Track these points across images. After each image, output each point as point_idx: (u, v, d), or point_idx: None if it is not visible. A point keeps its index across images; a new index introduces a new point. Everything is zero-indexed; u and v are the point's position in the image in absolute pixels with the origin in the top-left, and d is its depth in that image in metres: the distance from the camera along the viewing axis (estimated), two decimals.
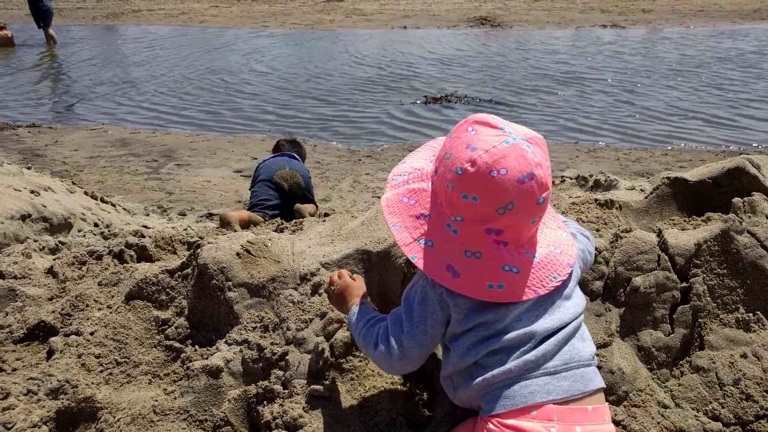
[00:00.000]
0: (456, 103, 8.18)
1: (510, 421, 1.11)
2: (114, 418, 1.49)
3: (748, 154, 1.95)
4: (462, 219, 1.13)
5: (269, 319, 1.61)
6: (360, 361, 1.57)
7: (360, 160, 6.14)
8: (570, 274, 1.23)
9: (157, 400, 1.53)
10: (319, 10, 19.69)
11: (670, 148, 6.32)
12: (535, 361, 1.15)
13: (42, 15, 13.24)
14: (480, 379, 1.16)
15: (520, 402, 1.12)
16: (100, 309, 1.74)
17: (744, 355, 1.48)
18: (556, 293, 1.20)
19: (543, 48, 12.73)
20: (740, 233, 1.55)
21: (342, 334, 1.55)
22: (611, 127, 7.06)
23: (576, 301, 1.25)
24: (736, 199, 1.65)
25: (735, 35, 14.17)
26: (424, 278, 1.23)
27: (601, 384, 1.20)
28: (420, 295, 1.23)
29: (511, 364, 1.14)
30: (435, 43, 13.55)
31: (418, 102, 8.27)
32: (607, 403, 1.22)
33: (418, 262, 1.15)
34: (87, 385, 1.53)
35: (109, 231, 2.52)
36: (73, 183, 3.08)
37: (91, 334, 1.65)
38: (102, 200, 3.00)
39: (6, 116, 8.01)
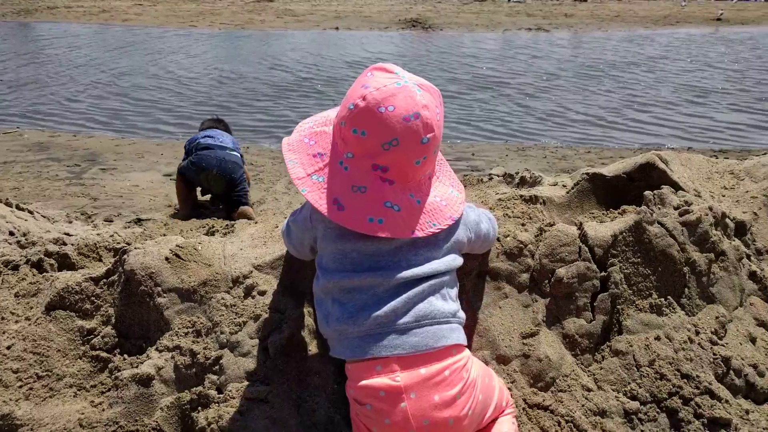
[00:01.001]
0: None
1: (362, 383, 1.20)
2: None
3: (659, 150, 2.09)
4: (352, 156, 1.20)
5: (201, 323, 1.58)
6: (297, 362, 1.56)
7: None
8: (450, 232, 1.29)
9: (83, 413, 1.46)
10: (249, 10, 19.34)
11: (593, 146, 6.65)
12: (386, 317, 1.21)
13: None
14: (336, 324, 1.25)
15: (368, 353, 1.20)
16: (17, 321, 1.64)
17: (657, 338, 1.59)
18: (423, 246, 1.26)
19: (467, 50, 13.07)
20: (651, 224, 1.66)
21: (278, 336, 1.54)
22: (541, 125, 7.35)
23: (444, 260, 1.29)
24: (647, 192, 1.76)
25: (646, 40, 15.05)
26: (307, 205, 1.35)
27: (458, 341, 1.26)
28: (300, 218, 1.39)
29: (363, 316, 1.21)
30: (362, 46, 13.63)
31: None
32: (465, 351, 1.28)
33: (307, 195, 1.21)
34: (5, 401, 1.45)
35: (26, 240, 2.38)
36: None
37: (8, 348, 1.56)
38: (18, 207, 2.82)
39: None
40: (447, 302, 1.28)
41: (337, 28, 16.62)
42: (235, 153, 4.29)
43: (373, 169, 1.19)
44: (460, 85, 9.58)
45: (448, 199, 1.30)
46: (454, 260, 1.33)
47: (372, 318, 1.21)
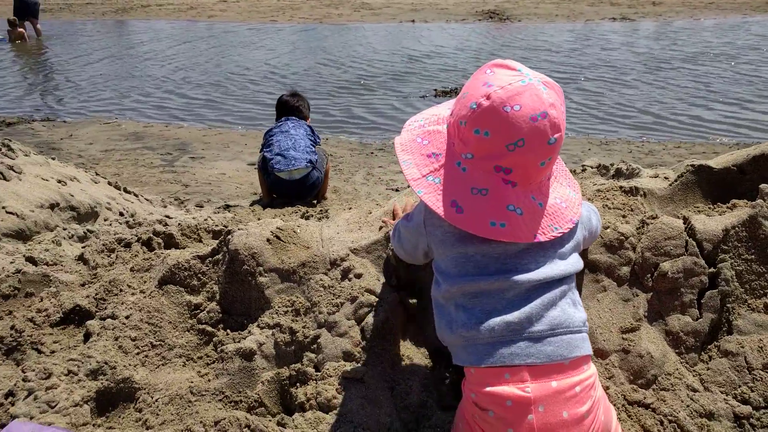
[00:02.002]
0: None
1: (488, 389, 1.14)
2: (152, 398, 1.53)
3: None
4: (472, 156, 1.15)
5: (300, 303, 1.64)
6: (391, 344, 1.59)
7: (372, 153, 6.16)
8: (571, 234, 1.24)
9: (192, 382, 1.56)
10: (327, 4, 19.67)
11: (683, 141, 6.30)
12: (519, 323, 1.15)
13: (30, 8, 13.28)
14: (463, 330, 1.18)
15: (498, 361, 1.14)
16: (133, 294, 1.77)
17: None
18: (550, 248, 1.20)
19: (551, 41, 12.68)
20: None
21: (373, 318, 1.58)
22: (621, 119, 7.05)
23: (570, 262, 1.24)
24: (763, 185, 1.65)
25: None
26: (421, 206, 1.29)
27: (588, 351, 1.21)
28: (412, 223, 1.35)
29: (493, 322, 1.15)
30: (443, 37, 13.53)
31: (427, 95, 8.27)
32: (593, 367, 1.22)
33: (424, 196, 1.16)
34: (125, 366, 1.57)
35: (134, 220, 2.56)
36: (97, 174, 3.12)
37: (127, 317, 1.68)
38: (125, 190, 3.03)
39: (20, 110, 8.09)
40: (577, 309, 1.22)
41: (413, 21, 16.60)
42: (311, 160, 4.12)
43: (495, 170, 1.13)
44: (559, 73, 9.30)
45: (568, 201, 1.24)
46: (578, 262, 1.28)
47: (504, 324, 1.15)
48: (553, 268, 1.19)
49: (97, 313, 1.75)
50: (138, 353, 1.63)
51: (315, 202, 4.30)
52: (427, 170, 1.19)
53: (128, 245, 2.15)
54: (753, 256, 1.56)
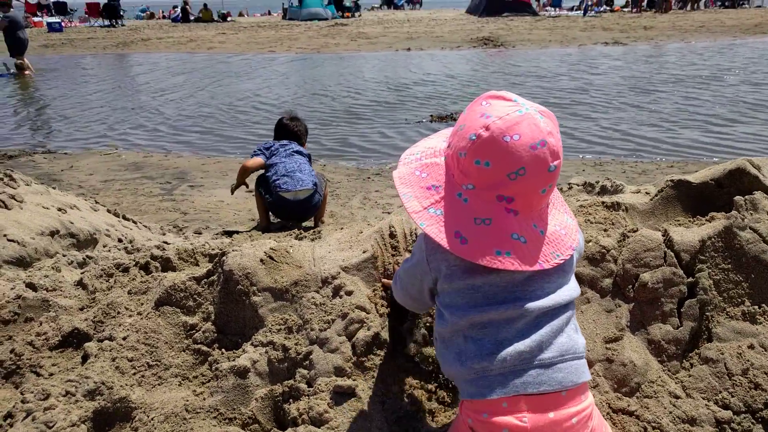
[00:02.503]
0: None
1: (485, 417, 1.15)
2: (148, 417, 1.56)
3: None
4: (473, 187, 1.15)
5: (293, 321, 1.69)
6: (380, 359, 1.63)
7: (369, 178, 6.24)
8: (571, 259, 1.26)
9: (188, 400, 1.60)
10: (324, 34, 20.05)
11: (677, 160, 6.39)
12: (530, 351, 1.15)
13: (19, 45, 13.64)
14: (475, 362, 1.17)
15: (511, 391, 1.14)
16: (130, 315, 1.82)
17: (751, 346, 1.53)
18: (554, 274, 1.21)
19: (545, 66, 12.89)
20: (743, 229, 1.62)
21: (363, 334, 1.62)
22: (615, 141, 7.15)
23: (572, 287, 1.26)
24: (738, 197, 1.72)
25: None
26: (422, 244, 1.28)
27: (589, 377, 1.22)
28: (412, 262, 1.34)
29: (505, 352, 1.15)
30: (438, 64, 13.75)
31: (423, 121, 8.41)
32: (590, 397, 1.23)
33: (427, 228, 1.16)
34: (121, 386, 1.61)
35: (132, 246, 2.61)
36: (96, 202, 3.19)
37: (124, 338, 1.72)
38: (124, 218, 3.10)
39: (21, 142, 8.21)
40: (579, 335, 1.24)
41: (409, 49, 16.90)
42: (315, 182, 4.16)
43: (497, 200, 1.14)
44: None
45: (566, 228, 1.25)
46: (578, 286, 1.29)
47: (516, 353, 1.15)
48: (559, 294, 1.21)
49: (95, 336, 1.79)
50: (134, 373, 1.67)
51: (313, 225, 4.35)
52: (428, 202, 1.19)
53: (126, 270, 2.20)
54: (729, 266, 1.61)
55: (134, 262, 2.21)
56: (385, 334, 1.65)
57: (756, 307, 1.59)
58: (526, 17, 25.32)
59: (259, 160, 4.26)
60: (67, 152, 7.73)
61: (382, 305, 1.71)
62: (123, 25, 27.86)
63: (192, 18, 30.43)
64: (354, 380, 1.56)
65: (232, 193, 4.55)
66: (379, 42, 18.38)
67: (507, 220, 1.14)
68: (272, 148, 4.32)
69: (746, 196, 1.73)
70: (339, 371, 1.58)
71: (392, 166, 6.69)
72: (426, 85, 11.12)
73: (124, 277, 2.13)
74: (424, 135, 8.19)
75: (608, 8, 30.18)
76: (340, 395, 1.54)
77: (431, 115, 8.61)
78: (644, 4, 28.17)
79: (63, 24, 27.02)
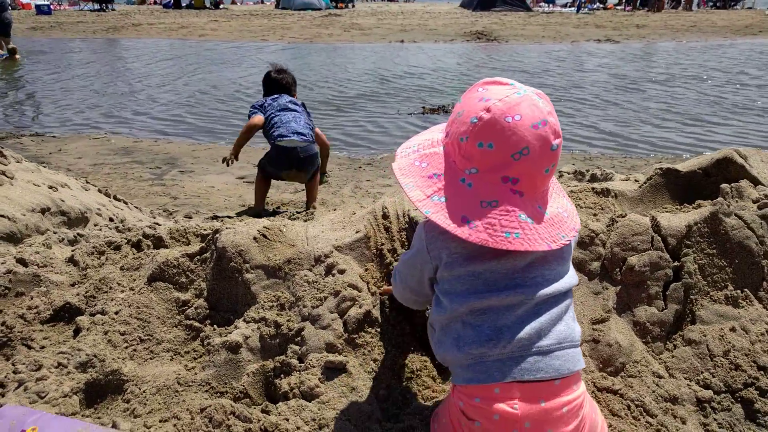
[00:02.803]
0: None
1: (476, 402, 1.16)
2: (140, 389, 1.57)
3: None
4: (477, 170, 1.14)
5: (285, 298, 1.70)
6: (372, 337, 1.65)
7: (360, 167, 6.25)
8: (569, 245, 1.25)
9: (179, 374, 1.61)
10: (317, 24, 19.94)
11: (666, 155, 6.46)
12: (529, 338, 1.16)
13: (3, 26, 13.43)
14: (473, 348, 1.18)
15: (508, 377, 1.15)
16: (123, 291, 1.83)
17: (733, 329, 1.57)
18: (553, 261, 1.21)
19: (542, 60, 12.94)
20: (728, 216, 1.66)
21: (355, 311, 1.64)
22: (605, 136, 7.22)
23: (571, 274, 1.26)
24: (724, 185, 1.76)
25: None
26: (421, 233, 1.28)
27: (583, 364, 1.23)
28: (412, 253, 1.33)
29: (504, 338, 1.16)
30: (432, 57, 13.75)
31: (416, 112, 8.42)
32: (582, 386, 1.23)
33: (432, 215, 1.14)
34: (113, 359, 1.62)
35: (123, 225, 2.60)
36: (87, 182, 3.17)
37: (116, 313, 1.73)
38: (115, 198, 3.09)
39: (8, 125, 8.12)
40: (576, 323, 1.25)
41: (402, 41, 16.87)
42: (309, 133, 4.22)
43: (502, 181, 1.13)
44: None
45: (567, 211, 1.25)
46: (575, 274, 1.29)
47: (515, 339, 1.15)
48: (560, 282, 1.21)
49: (86, 310, 1.80)
50: (127, 347, 1.68)
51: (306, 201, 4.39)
52: (431, 191, 1.17)
53: (118, 247, 2.20)
54: (714, 251, 1.65)
55: (126, 240, 2.21)
56: (376, 312, 1.67)
57: (739, 291, 1.63)
58: (520, 12, 25.36)
59: (260, 116, 4.25)
60: (55, 135, 7.65)
61: (374, 284, 1.73)
62: (113, 10, 27.53)
63: (184, 4, 30.13)
64: (345, 356, 1.58)
65: (228, 163, 4.46)
66: (372, 33, 18.32)
67: (514, 201, 1.13)
68: (265, 105, 4.32)
69: (732, 184, 1.77)
70: (330, 347, 1.60)
71: (384, 156, 6.70)
72: (419, 77, 11.13)
73: (116, 254, 2.13)
74: (417, 126, 8.20)
75: (601, 6, 30.30)
76: (331, 370, 1.56)
77: (423, 107, 8.62)
78: (637, 2, 28.31)
79: (52, 7, 26.66)
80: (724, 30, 18.99)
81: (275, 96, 4.40)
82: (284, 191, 5.37)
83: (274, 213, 4.01)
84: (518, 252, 1.16)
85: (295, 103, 4.39)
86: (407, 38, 17.24)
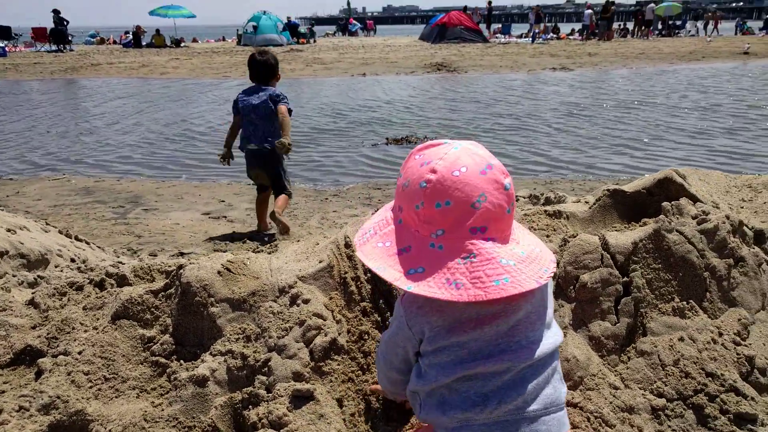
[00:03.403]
0: (416, 143, 8.50)
1: None
2: (105, 429, 1.56)
3: None
4: (443, 231, 1.13)
5: (251, 330, 1.72)
6: (338, 364, 1.68)
7: (327, 198, 6.30)
8: (544, 296, 1.24)
9: (146, 411, 1.60)
10: (280, 60, 20.14)
11: (623, 178, 6.71)
12: (515, 404, 1.15)
13: None
14: (458, 413, 1.17)
15: None
16: (86, 330, 1.81)
17: (681, 339, 1.66)
18: (537, 320, 1.20)
19: (497, 90, 13.33)
20: (670, 232, 1.76)
21: (321, 339, 1.67)
22: (566, 161, 7.46)
23: (555, 332, 1.24)
24: (665, 203, 1.87)
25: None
26: (400, 311, 1.25)
27: (569, 426, 1.23)
28: (392, 331, 1.28)
29: (491, 405, 1.15)
30: (393, 88, 14.03)
31: (379, 143, 8.56)
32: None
33: (416, 289, 1.11)
34: (77, 399, 1.60)
35: (86, 266, 2.58)
36: (47, 223, 3.13)
37: (79, 353, 1.72)
38: (76, 239, 3.05)
39: None
40: (562, 383, 1.24)
41: (364, 74, 17.17)
42: (265, 142, 4.66)
43: (472, 233, 1.12)
44: (479, 122, 9.80)
45: (538, 245, 1.24)
46: (560, 330, 1.28)
47: (502, 405, 1.14)
48: (545, 344, 1.19)
49: (48, 352, 1.78)
50: (91, 387, 1.66)
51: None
52: (403, 267, 1.15)
53: (80, 288, 2.18)
54: (660, 265, 1.74)
55: (89, 280, 2.19)
56: (342, 339, 1.70)
57: (684, 302, 1.72)
58: (478, 44, 26.15)
59: (236, 117, 4.87)
60: (12, 178, 7.49)
61: (339, 312, 1.77)
62: (72, 50, 27.28)
63: (144, 43, 30.08)
64: (312, 384, 1.60)
65: (224, 160, 4.95)
66: (334, 67, 18.62)
67: (491, 248, 1.12)
68: (238, 106, 4.81)
69: (673, 202, 1.88)
70: (297, 376, 1.62)
71: (349, 187, 6.77)
72: (381, 109, 11.33)
73: (78, 294, 2.11)
74: (381, 157, 8.29)
75: (555, 36, 31.50)
76: (299, 399, 1.58)
77: (387, 138, 8.77)
78: (588, 33, 29.55)
79: (7, 49, 26.26)
80: (670, 56, 19.97)
81: (246, 96, 4.81)
82: (250, 226, 5.36)
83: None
84: (499, 317, 1.15)
85: (264, 103, 4.70)
86: (369, 71, 17.57)
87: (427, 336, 1.20)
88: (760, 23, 38.01)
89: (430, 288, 1.10)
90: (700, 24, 35.04)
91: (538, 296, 1.21)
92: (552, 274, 1.17)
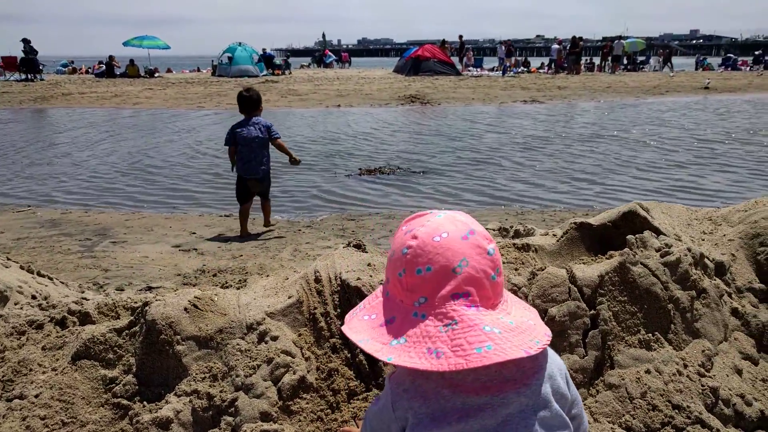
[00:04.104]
0: (389, 174, 8.56)
1: None
2: None
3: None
4: (426, 299, 1.10)
5: (218, 368, 1.68)
6: (307, 403, 1.65)
7: (300, 230, 6.26)
8: (548, 392, 1.14)
9: None
10: None
11: (593, 208, 6.85)
12: None
13: None
14: None
15: None
16: (44, 372, 1.75)
17: (648, 371, 1.68)
18: (532, 415, 1.11)
19: (469, 121, 13.57)
20: (634, 264, 1.79)
21: (289, 378, 1.64)
22: (534, 193, 7.59)
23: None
24: (629, 237, 1.90)
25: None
26: (387, 389, 1.20)
27: None
28: (379, 407, 1.22)
29: None
30: (367, 120, 14.18)
31: (353, 174, 8.59)
32: None
33: (396, 360, 1.07)
34: None
35: (47, 303, 2.49)
36: (8, 258, 3.04)
37: (36, 396, 1.65)
38: (39, 274, 2.96)
39: None
40: None
41: (339, 106, 17.33)
42: (263, 171, 5.91)
43: (454, 299, 1.08)
44: (448, 155, 9.94)
45: (533, 319, 1.18)
46: (567, 423, 1.16)
47: None
48: None
49: (3, 396, 1.70)
50: None
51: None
52: (387, 338, 1.11)
53: (40, 326, 2.11)
54: (625, 298, 1.77)
55: (49, 318, 2.12)
56: (311, 377, 1.67)
57: (650, 334, 1.74)
58: (451, 76, 26.69)
59: (232, 148, 5.90)
60: None
61: (308, 348, 1.74)
62: (42, 80, 26.98)
63: (118, 73, 29.93)
64: (280, 424, 1.57)
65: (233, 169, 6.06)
66: (309, 99, 18.75)
67: (474, 315, 1.07)
68: (235, 138, 5.81)
69: (637, 235, 1.92)
70: (265, 416, 1.58)
71: (323, 218, 6.76)
72: (356, 140, 11.42)
73: (37, 333, 2.04)
74: (354, 187, 8.32)
75: (525, 69, 32.37)
76: None
77: (360, 169, 8.82)
78: (557, 67, 30.45)
79: None
80: (635, 90, 20.66)
81: (240, 127, 5.83)
82: (221, 258, 5.29)
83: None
84: (485, 409, 1.09)
85: (259, 134, 5.82)
86: (344, 103, 17.74)
87: (411, 423, 1.13)
88: (719, 59, 39.76)
89: (411, 358, 1.06)
90: (653, 60, 36.69)
91: (535, 389, 1.11)
92: (544, 347, 1.09)
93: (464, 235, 1.11)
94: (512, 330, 1.09)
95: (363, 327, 1.17)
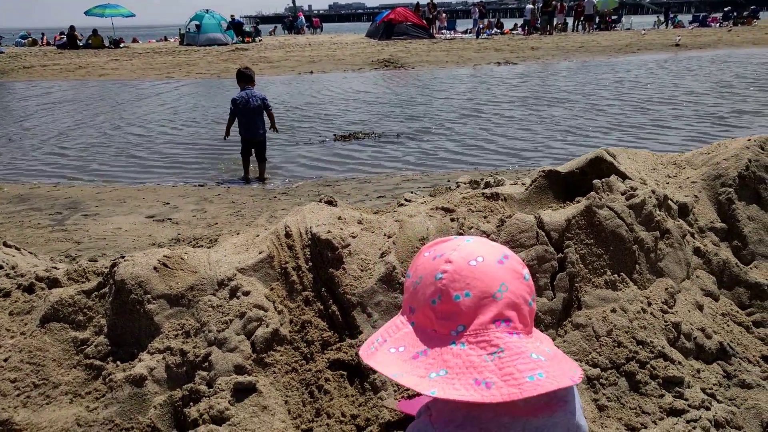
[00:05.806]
0: (364, 139, 8.51)
1: None
2: None
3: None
4: (464, 327, 1.02)
5: (190, 325, 1.68)
6: (281, 355, 1.66)
7: (275, 197, 6.22)
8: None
9: (80, 416, 1.54)
10: (225, 59, 19.77)
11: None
12: None
13: None
14: None
15: None
16: (12, 337, 1.73)
17: (613, 310, 1.72)
18: None
19: (443, 84, 13.48)
20: (601, 208, 1.82)
21: (262, 331, 1.65)
22: (509, 152, 7.63)
23: None
24: (596, 181, 1.93)
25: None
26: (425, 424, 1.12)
27: None
28: None
29: None
30: (341, 85, 13.99)
31: (327, 140, 8.51)
32: None
33: (441, 393, 0.98)
34: (3, 409, 1.52)
35: (15, 272, 2.45)
36: None
37: (5, 360, 1.64)
38: (5, 244, 2.90)
39: None
40: None
41: (311, 72, 17.05)
42: (262, 132, 7.00)
43: (497, 326, 1.01)
44: (422, 119, 9.90)
45: (560, 352, 1.12)
46: None
47: None
48: None
49: None
50: (18, 395, 1.59)
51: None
52: (423, 370, 1.02)
53: (8, 294, 2.07)
54: (592, 240, 1.80)
55: (17, 285, 2.09)
56: (284, 330, 1.68)
57: (616, 275, 1.78)
58: (424, 40, 26.36)
59: (232, 113, 6.92)
60: None
61: (281, 302, 1.75)
62: (1, 53, 25.94)
63: (81, 44, 28.89)
64: (255, 376, 1.58)
65: (225, 138, 7.21)
66: (281, 66, 18.39)
67: (518, 341, 1.01)
68: (237, 105, 6.80)
69: (603, 179, 1.94)
70: (239, 369, 1.59)
71: (299, 184, 6.71)
72: (330, 106, 11.28)
73: (4, 300, 2.01)
74: (329, 153, 8.25)
75: (499, 31, 32.10)
76: (241, 392, 1.55)
77: (335, 134, 8.74)
78: (530, 28, 30.25)
79: None
80: (608, 49, 20.67)
81: (242, 95, 6.81)
82: (196, 227, 5.25)
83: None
84: (544, 430, 1.04)
85: (257, 103, 6.87)
86: (316, 69, 17.45)
87: None
88: (689, 17, 39.88)
89: (457, 390, 0.97)
90: (625, 19, 36.11)
91: (569, 409, 1.09)
92: (580, 378, 1.04)
93: (499, 259, 1.05)
94: (552, 358, 1.04)
95: (392, 361, 1.07)
